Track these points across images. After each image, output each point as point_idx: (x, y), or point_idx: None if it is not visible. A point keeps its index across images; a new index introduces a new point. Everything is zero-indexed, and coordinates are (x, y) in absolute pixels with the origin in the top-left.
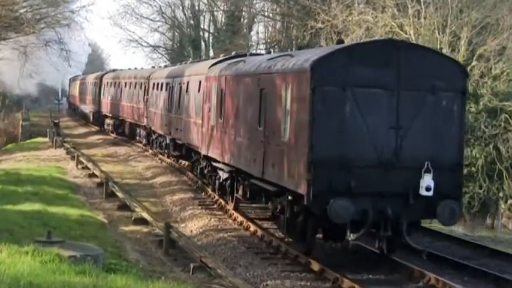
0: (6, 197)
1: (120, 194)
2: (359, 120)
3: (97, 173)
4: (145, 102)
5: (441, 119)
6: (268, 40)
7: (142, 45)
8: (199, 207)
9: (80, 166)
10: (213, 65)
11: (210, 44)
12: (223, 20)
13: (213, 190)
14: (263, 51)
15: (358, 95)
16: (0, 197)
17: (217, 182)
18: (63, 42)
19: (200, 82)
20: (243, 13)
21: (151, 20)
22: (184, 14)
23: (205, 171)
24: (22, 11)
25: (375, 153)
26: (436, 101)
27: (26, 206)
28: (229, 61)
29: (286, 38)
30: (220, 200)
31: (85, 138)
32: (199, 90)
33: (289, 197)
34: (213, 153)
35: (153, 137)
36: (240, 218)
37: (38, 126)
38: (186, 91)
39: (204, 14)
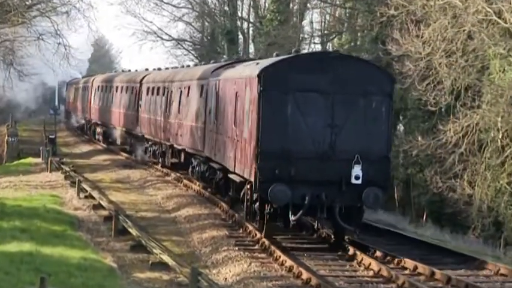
0: None
1: (133, 231)
2: (299, 119)
3: (104, 203)
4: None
5: (371, 119)
6: (325, 31)
7: (162, 38)
8: (236, 247)
9: (82, 195)
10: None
11: (250, 37)
12: (267, 5)
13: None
14: (318, 46)
15: (298, 98)
16: None
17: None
18: (61, 35)
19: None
20: None
21: (174, 6)
22: None
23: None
24: None
25: (313, 147)
26: (367, 103)
27: (13, 247)
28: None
29: (349, 28)
30: (264, 240)
31: (88, 158)
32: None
33: (248, 186)
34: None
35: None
36: (289, 262)
37: (28, 143)
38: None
39: None
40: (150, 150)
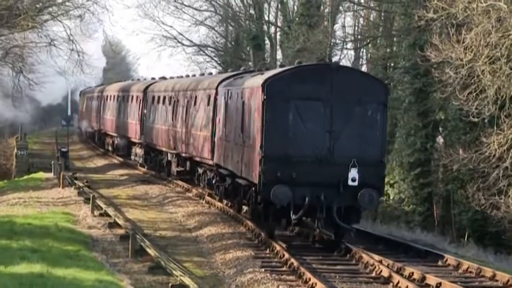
0: None
1: (152, 252)
2: (300, 125)
3: (120, 221)
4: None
5: (366, 125)
6: (359, 36)
7: (183, 44)
8: (263, 269)
9: (96, 212)
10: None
11: (278, 42)
12: (296, 8)
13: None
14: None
15: (299, 106)
16: None
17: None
18: (74, 40)
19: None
20: None
21: (195, 9)
22: (242, 1)
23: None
24: None
25: (312, 151)
26: (363, 111)
27: (23, 268)
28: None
29: (385, 33)
30: (292, 260)
31: (104, 173)
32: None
33: (252, 188)
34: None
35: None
36: (319, 286)
37: (39, 156)
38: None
39: (269, 0)
40: (156, 160)
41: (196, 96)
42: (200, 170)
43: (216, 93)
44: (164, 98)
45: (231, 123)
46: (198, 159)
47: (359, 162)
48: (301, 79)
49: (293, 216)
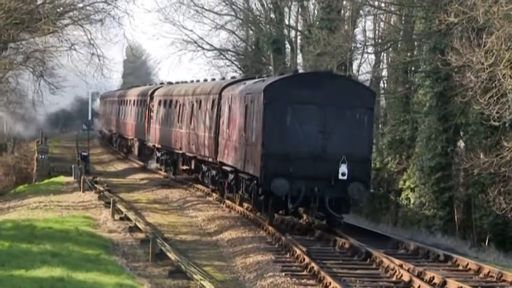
0: (16, 258)
1: (172, 255)
2: (297, 126)
3: (141, 225)
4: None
5: (355, 127)
6: (379, 40)
7: (203, 48)
8: (283, 273)
9: (117, 216)
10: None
11: (298, 46)
12: (316, 12)
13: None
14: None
15: (296, 109)
16: (7, 259)
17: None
18: (95, 44)
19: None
20: (344, 3)
21: (216, 13)
22: (263, 5)
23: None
24: (39, 2)
25: (307, 149)
26: (352, 114)
27: (43, 272)
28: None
29: (405, 37)
30: (313, 264)
31: (124, 177)
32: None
33: (254, 181)
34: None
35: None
36: None
37: (59, 160)
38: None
39: (290, 4)
40: (162, 159)
41: (201, 101)
42: (205, 168)
43: (220, 98)
44: (170, 101)
45: (234, 125)
46: (202, 158)
47: (348, 158)
48: (298, 85)
49: (290, 206)
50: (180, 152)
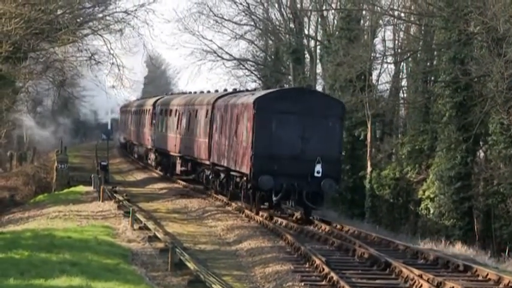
0: (36, 268)
1: (191, 265)
2: (280, 132)
3: (160, 235)
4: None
5: (328, 133)
6: (399, 50)
7: (222, 57)
8: (302, 283)
9: (136, 226)
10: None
11: (317, 56)
12: (335, 22)
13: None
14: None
15: (280, 118)
16: (27, 268)
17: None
18: (114, 54)
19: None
20: (364, 13)
21: (235, 23)
22: (282, 15)
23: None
24: (59, 12)
25: (289, 151)
26: (326, 123)
27: (62, 281)
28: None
29: (425, 46)
30: (332, 274)
31: (143, 186)
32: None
33: (244, 178)
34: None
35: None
36: None
37: (79, 170)
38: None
39: (309, 14)
40: (161, 162)
41: (197, 110)
42: (199, 169)
43: (213, 108)
44: (170, 111)
45: (225, 130)
46: (198, 160)
47: (322, 159)
48: (282, 99)
49: (274, 198)
50: (179, 155)
